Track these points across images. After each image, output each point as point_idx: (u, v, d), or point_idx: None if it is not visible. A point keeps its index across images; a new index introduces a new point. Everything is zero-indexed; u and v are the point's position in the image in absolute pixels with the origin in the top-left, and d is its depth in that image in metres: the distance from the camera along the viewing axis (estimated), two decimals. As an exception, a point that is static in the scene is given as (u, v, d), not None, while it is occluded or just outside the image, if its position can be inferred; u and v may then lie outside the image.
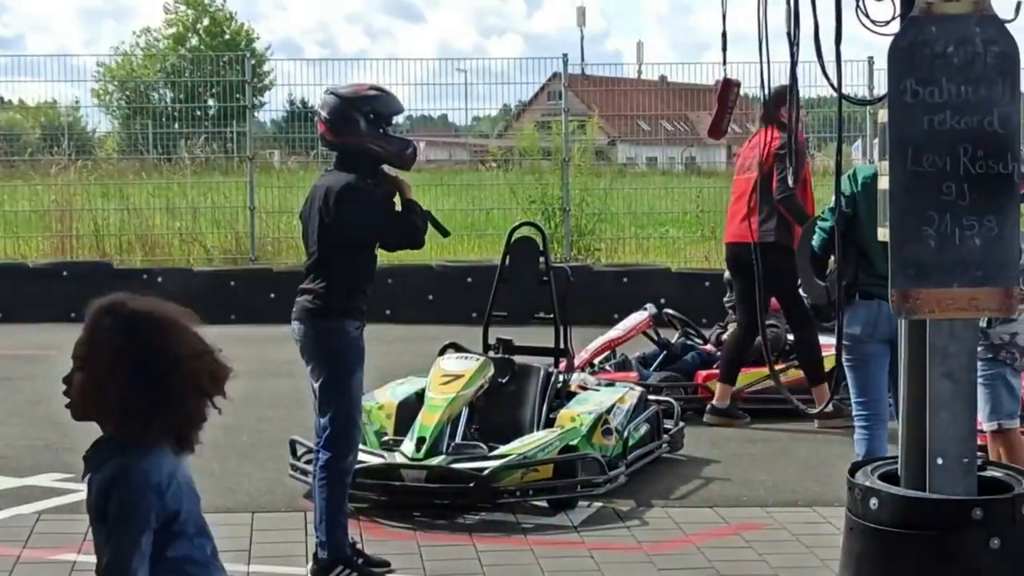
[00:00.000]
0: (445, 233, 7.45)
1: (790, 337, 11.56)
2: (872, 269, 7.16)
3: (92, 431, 3.94)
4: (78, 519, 8.19)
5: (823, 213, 7.45)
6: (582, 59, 42.44)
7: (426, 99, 42.09)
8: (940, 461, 4.79)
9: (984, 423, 7.83)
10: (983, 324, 7.37)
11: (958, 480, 4.78)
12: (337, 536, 7.06)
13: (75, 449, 10.13)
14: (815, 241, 7.44)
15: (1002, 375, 7.82)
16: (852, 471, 5.08)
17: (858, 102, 8.17)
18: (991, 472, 5.05)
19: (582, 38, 62.28)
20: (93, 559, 3.78)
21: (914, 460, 4.89)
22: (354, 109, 7.06)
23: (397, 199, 7.18)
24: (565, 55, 21.10)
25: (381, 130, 7.10)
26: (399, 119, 8.08)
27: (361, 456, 7.89)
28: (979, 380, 7.74)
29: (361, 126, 7.05)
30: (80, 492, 8.84)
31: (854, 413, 7.56)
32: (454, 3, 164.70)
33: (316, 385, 7.11)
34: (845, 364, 7.49)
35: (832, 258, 7.43)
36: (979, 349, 7.71)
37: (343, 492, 7.12)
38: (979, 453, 4.97)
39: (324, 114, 7.16)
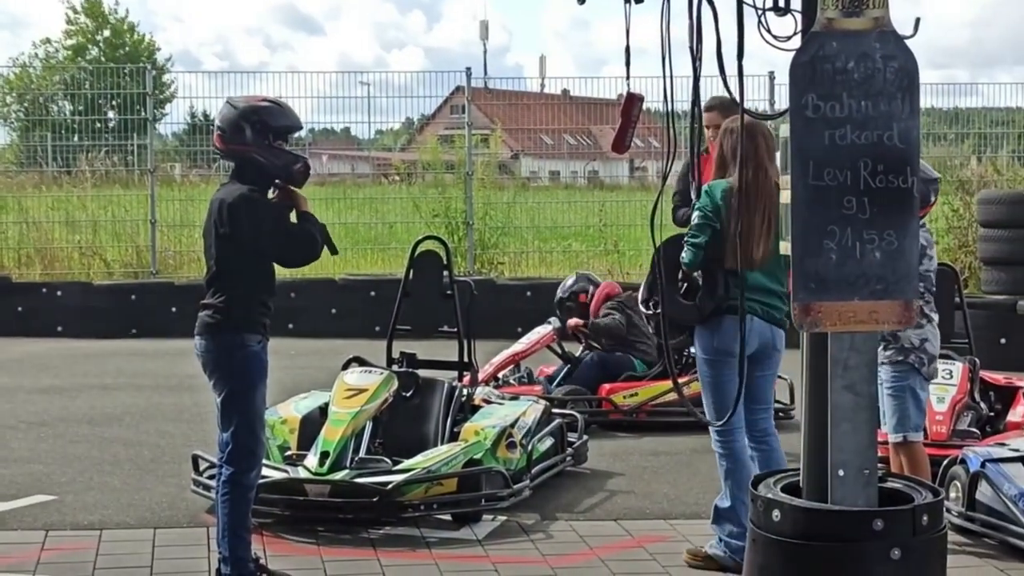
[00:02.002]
0: (334, 251, 7.37)
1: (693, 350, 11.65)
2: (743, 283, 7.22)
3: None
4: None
5: (690, 230, 7.43)
6: (485, 73, 42.42)
7: (328, 112, 41.81)
8: (841, 472, 4.83)
9: (889, 435, 7.91)
10: None
11: (859, 491, 4.83)
12: (240, 551, 7.00)
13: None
14: (688, 257, 7.34)
15: (911, 387, 7.90)
16: (755, 483, 5.11)
17: (760, 117, 8.23)
18: (891, 483, 5.11)
19: (485, 52, 62.08)
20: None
21: (816, 472, 4.93)
22: (243, 118, 7.01)
23: (293, 214, 7.13)
24: (468, 69, 21.16)
25: (267, 142, 7.04)
26: (301, 132, 8.02)
27: (264, 471, 7.82)
28: (888, 391, 7.84)
29: (247, 136, 7.00)
30: (-23, 509, 8.75)
31: (719, 429, 7.47)
32: (354, 16, 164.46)
33: (218, 400, 7.05)
34: (707, 380, 7.48)
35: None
36: (889, 353, 7.80)
37: (246, 507, 7.06)
38: (880, 465, 5.02)
39: (217, 122, 7.14)
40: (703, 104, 8.91)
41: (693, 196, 7.51)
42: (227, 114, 7.07)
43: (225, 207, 6.94)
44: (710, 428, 7.50)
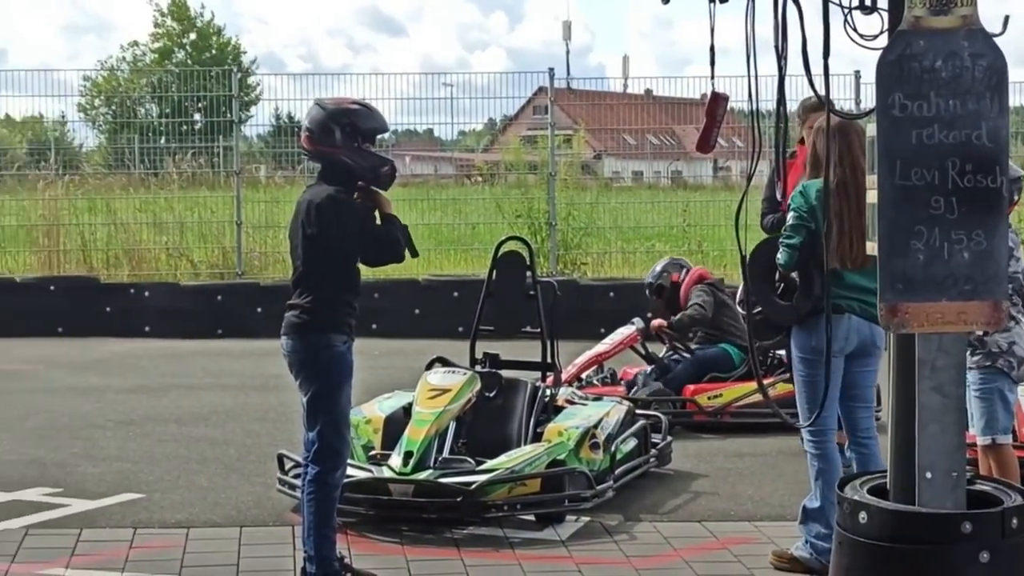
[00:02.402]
0: (414, 253, 7.39)
1: (780, 352, 11.59)
2: (840, 282, 7.16)
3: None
4: (67, 533, 8.21)
5: (785, 231, 7.39)
6: (568, 73, 42.35)
7: (411, 113, 42.16)
8: (929, 475, 4.79)
9: (978, 437, 7.83)
10: (979, 332, 7.37)
11: (947, 494, 4.78)
12: (325, 550, 7.04)
13: (63, 464, 10.15)
14: (783, 259, 7.30)
15: (999, 389, 7.81)
16: (841, 485, 5.08)
17: (846, 116, 8.15)
18: (980, 486, 5.06)
19: (568, 52, 62.14)
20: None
21: (903, 474, 4.89)
22: (333, 120, 7.06)
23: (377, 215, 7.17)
24: (551, 69, 21.13)
25: (356, 144, 7.08)
26: (384, 134, 8.05)
27: (349, 470, 7.87)
28: (976, 393, 7.76)
29: (337, 137, 7.04)
30: (68, 507, 8.85)
31: (811, 429, 7.41)
32: (436, 17, 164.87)
33: (304, 400, 7.09)
34: (803, 379, 7.44)
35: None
36: (977, 358, 7.72)
37: (331, 506, 7.10)
38: (968, 467, 4.97)
39: (306, 123, 7.18)
40: (807, 105, 8.91)
41: (778, 196, 7.47)
42: (316, 115, 7.12)
43: (313, 208, 6.98)
44: (803, 428, 7.45)
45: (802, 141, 9.14)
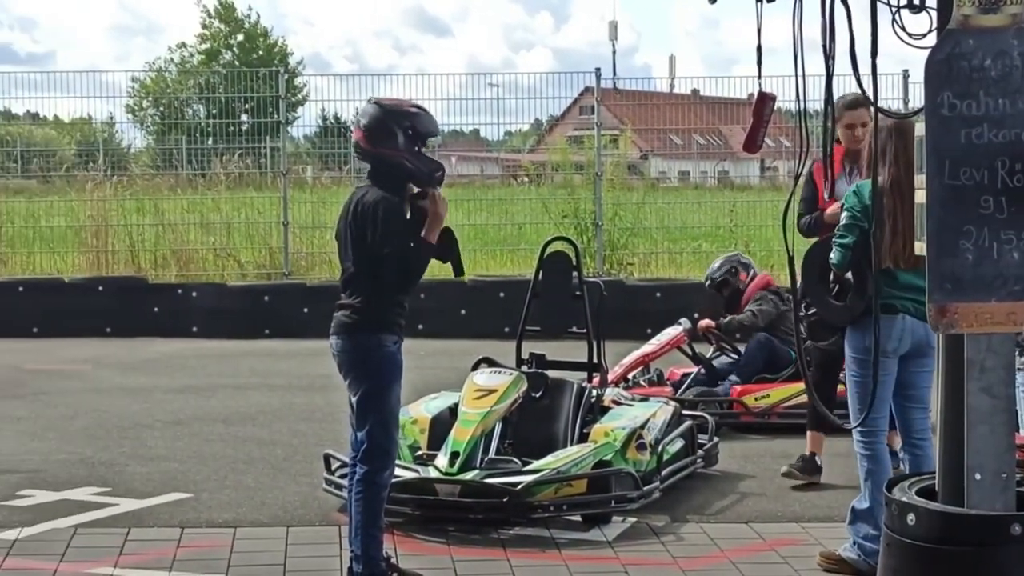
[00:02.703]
0: (460, 271, 7.38)
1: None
2: (894, 282, 7.13)
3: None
4: (115, 532, 8.26)
5: (838, 230, 7.36)
6: (614, 73, 42.41)
7: (457, 114, 42.04)
8: (978, 476, 4.76)
9: None
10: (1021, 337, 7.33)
11: (996, 495, 4.75)
12: (372, 550, 7.05)
13: (111, 463, 10.21)
14: (836, 258, 7.27)
15: None
16: (889, 486, 5.05)
17: (894, 115, 8.12)
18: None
19: (614, 52, 62.11)
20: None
21: (952, 475, 4.86)
22: (394, 122, 7.04)
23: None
24: (598, 69, 21.13)
25: (417, 148, 7.09)
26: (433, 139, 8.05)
27: (396, 470, 7.90)
28: (1021, 392, 7.71)
29: (399, 140, 7.03)
30: (116, 506, 8.90)
31: (862, 430, 7.33)
32: (482, 18, 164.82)
33: (354, 399, 7.10)
34: (856, 380, 7.40)
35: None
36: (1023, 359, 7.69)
37: (379, 506, 7.11)
38: (1017, 469, 4.93)
39: (364, 122, 7.11)
40: (847, 100, 8.82)
41: (825, 196, 7.43)
42: (376, 115, 7.09)
43: (368, 209, 6.97)
44: (853, 429, 7.39)
45: (838, 140, 9.11)
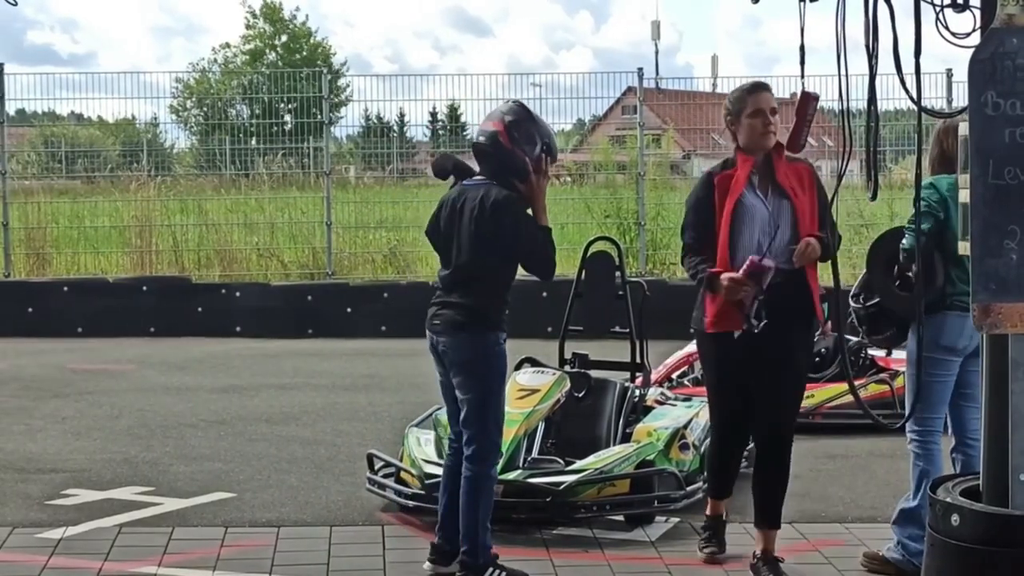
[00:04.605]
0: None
1: (871, 352, 11.50)
2: (965, 277, 7.04)
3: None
4: (159, 532, 8.29)
5: (911, 219, 7.22)
6: (656, 73, 42.32)
7: (500, 114, 41.98)
8: (1023, 477, 4.74)
9: None
10: None
11: (1041, 496, 4.73)
12: (488, 541, 7.18)
13: (155, 463, 10.26)
14: (908, 242, 7.06)
15: None
16: (934, 487, 5.03)
17: (938, 115, 8.03)
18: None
19: (656, 52, 61.93)
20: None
21: (996, 476, 4.84)
22: (538, 131, 7.18)
23: None
24: (640, 69, 21.14)
25: (539, 164, 7.17)
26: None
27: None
28: None
29: (536, 150, 7.12)
30: (160, 505, 8.94)
31: (918, 428, 7.25)
32: (522, 18, 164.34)
33: (465, 397, 7.17)
34: (927, 378, 7.24)
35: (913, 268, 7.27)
36: None
37: (492, 499, 7.25)
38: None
39: (510, 119, 7.15)
40: (747, 85, 8.15)
41: (868, 196, 7.31)
42: (525, 118, 7.19)
43: (500, 207, 7.07)
44: (908, 426, 7.27)
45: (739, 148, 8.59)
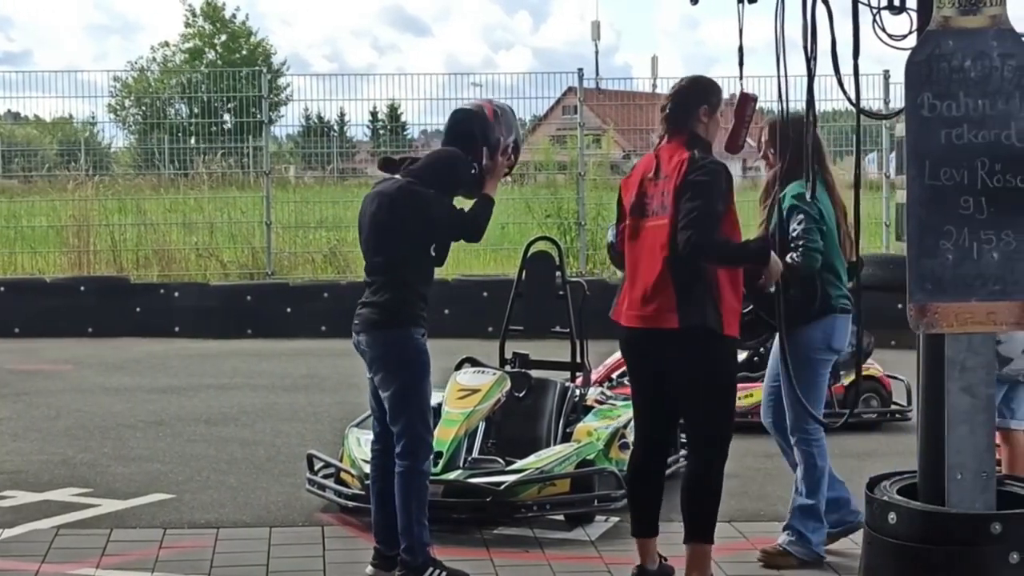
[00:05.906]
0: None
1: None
2: (841, 283, 7.26)
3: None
4: (97, 533, 8.24)
5: (803, 235, 7.39)
6: (596, 73, 42.32)
7: (438, 114, 41.89)
8: (959, 475, 4.78)
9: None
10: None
11: (977, 494, 4.77)
12: (424, 537, 7.16)
13: (93, 464, 10.19)
14: (811, 263, 7.28)
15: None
16: (871, 485, 5.07)
17: (875, 116, 8.14)
18: (1010, 486, 5.04)
19: (596, 52, 62.18)
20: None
21: (932, 474, 4.88)
22: (517, 131, 7.64)
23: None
24: (580, 70, 21.19)
25: (494, 158, 7.52)
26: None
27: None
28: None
29: (511, 138, 7.55)
30: (98, 507, 8.88)
31: (807, 427, 7.59)
32: (461, 17, 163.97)
33: (386, 394, 7.17)
34: (819, 378, 7.50)
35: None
36: None
37: (426, 495, 7.23)
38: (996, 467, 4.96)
39: (498, 104, 7.60)
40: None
41: (807, 196, 7.35)
42: (509, 113, 7.63)
43: (387, 203, 7.23)
44: (809, 427, 7.54)
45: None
